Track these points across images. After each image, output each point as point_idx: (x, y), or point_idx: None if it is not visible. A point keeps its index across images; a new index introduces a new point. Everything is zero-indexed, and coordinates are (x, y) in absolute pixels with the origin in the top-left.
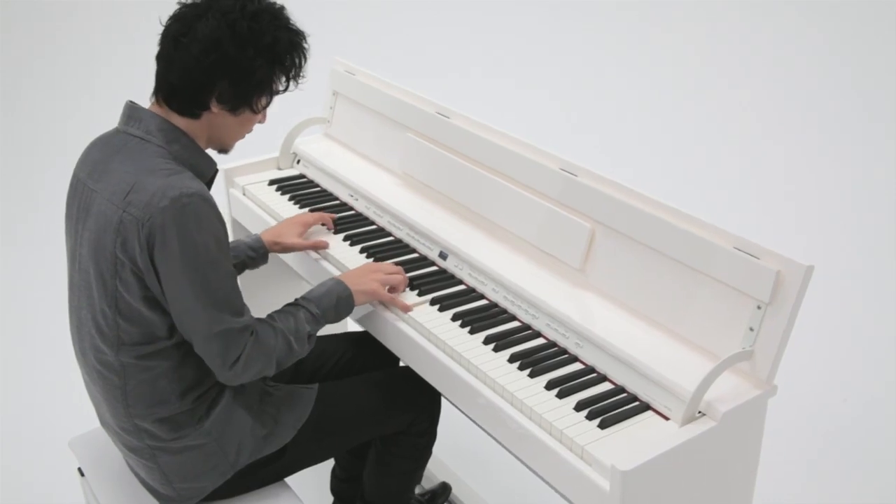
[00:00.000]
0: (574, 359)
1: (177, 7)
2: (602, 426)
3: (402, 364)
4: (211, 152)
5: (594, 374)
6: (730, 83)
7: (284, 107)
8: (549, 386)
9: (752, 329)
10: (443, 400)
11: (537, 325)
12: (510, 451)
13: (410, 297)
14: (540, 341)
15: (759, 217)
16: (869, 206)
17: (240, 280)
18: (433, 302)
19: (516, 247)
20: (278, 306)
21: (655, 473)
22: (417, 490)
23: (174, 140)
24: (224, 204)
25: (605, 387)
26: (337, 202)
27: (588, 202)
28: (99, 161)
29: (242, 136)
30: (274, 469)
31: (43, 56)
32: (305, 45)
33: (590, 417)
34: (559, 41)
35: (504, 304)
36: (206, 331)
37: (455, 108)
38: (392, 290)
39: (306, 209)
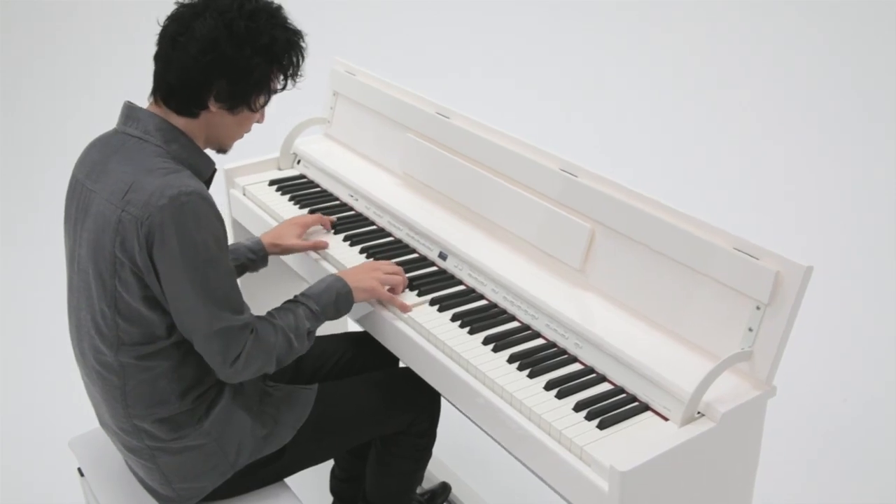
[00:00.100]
0: (573, 359)
1: (174, 7)
2: (601, 426)
3: (401, 364)
4: (209, 152)
5: (593, 375)
6: (730, 83)
7: (285, 107)
8: (549, 386)
9: (751, 329)
10: (442, 400)
11: (537, 325)
12: (509, 452)
13: (410, 297)
14: (539, 342)
15: (759, 217)
16: (869, 207)
17: (240, 281)
18: (433, 302)
19: (516, 247)
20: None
21: (654, 474)
22: (417, 490)
23: (172, 140)
24: (224, 204)
25: (604, 387)
26: (337, 202)
27: (588, 202)
28: (97, 161)
29: (241, 136)
30: (274, 469)
31: (43, 56)
32: (303, 45)
33: (589, 418)
34: (559, 41)
35: (504, 304)
36: (207, 329)
37: (455, 108)
38: (391, 290)
39: (306, 209)
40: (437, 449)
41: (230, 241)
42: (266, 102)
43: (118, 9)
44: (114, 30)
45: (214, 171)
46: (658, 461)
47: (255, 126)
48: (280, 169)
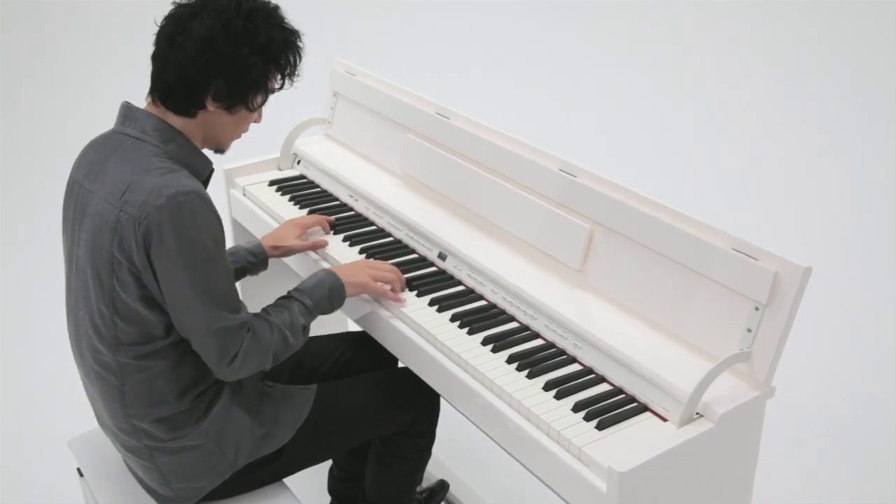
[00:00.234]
0: (572, 360)
1: (172, 6)
2: (600, 427)
3: (400, 364)
4: (207, 152)
5: (592, 375)
6: (730, 83)
7: (285, 108)
8: (548, 387)
9: (749, 330)
10: (442, 400)
11: (536, 325)
12: (508, 452)
13: (409, 297)
14: (538, 342)
15: (759, 217)
16: (869, 207)
17: (240, 282)
18: (432, 302)
19: (515, 247)
20: None
21: (653, 475)
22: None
23: (170, 139)
24: (224, 204)
25: (603, 388)
26: (337, 203)
27: (587, 203)
28: (95, 162)
29: (238, 136)
30: (272, 469)
31: (43, 56)
32: (300, 45)
33: (587, 418)
34: (559, 41)
35: (503, 304)
36: (205, 328)
37: (455, 108)
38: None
39: (306, 210)
40: (437, 448)
41: (230, 240)
42: (263, 102)
43: (118, 9)
44: (114, 30)
45: (212, 170)
46: (656, 462)
47: (254, 126)
48: (280, 169)
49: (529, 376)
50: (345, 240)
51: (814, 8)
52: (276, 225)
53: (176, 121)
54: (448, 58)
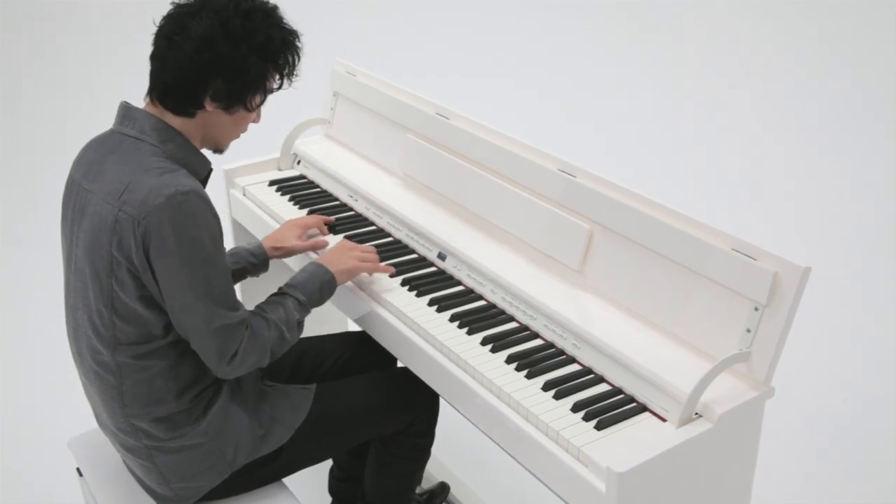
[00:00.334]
0: (572, 360)
1: (171, 6)
2: (599, 427)
3: (400, 364)
4: (206, 152)
5: (591, 376)
6: (730, 83)
7: (285, 108)
8: (547, 387)
9: (749, 330)
10: (441, 400)
11: (535, 325)
12: (507, 452)
13: (409, 297)
14: (538, 342)
15: (759, 217)
16: (869, 207)
17: (240, 283)
18: (431, 302)
19: (515, 248)
20: None
21: (651, 475)
22: (416, 490)
23: (168, 139)
24: (224, 204)
25: (602, 388)
26: (337, 203)
27: (587, 203)
28: (94, 162)
29: (237, 136)
30: (271, 469)
31: (43, 56)
32: (299, 44)
33: (586, 419)
34: (559, 41)
35: (502, 304)
36: (205, 327)
37: (455, 108)
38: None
39: (306, 210)
40: (436, 449)
41: (230, 241)
42: (262, 102)
43: (118, 9)
44: (114, 30)
45: (210, 170)
46: (655, 462)
47: (254, 126)
48: (280, 169)
49: (529, 376)
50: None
51: (814, 8)
52: (276, 225)
53: (174, 121)
54: (448, 58)
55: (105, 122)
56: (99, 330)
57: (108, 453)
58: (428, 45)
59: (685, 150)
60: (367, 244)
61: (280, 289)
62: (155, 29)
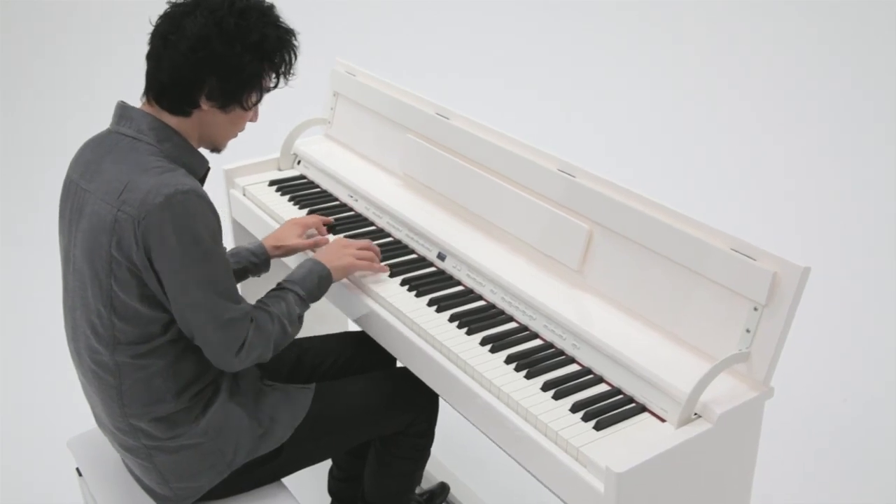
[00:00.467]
0: (571, 360)
1: (167, 6)
2: (598, 428)
3: (399, 364)
4: (206, 153)
5: (591, 376)
6: (730, 83)
7: (285, 108)
8: (546, 387)
9: (748, 331)
10: (441, 400)
11: (535, 326)
12: (507, 452)
13: (409, 297)
14: (537, 342)
15: (759, 217)
16: (869, 207)
17: (241, 283)
18: (431, 302)
19: (514, 248)
20: None
21: (650, 475)
22: (416, 490)
23: (166, 139)
24: (224, 204)
25: (601, 388)
26: (337, 203)
27: (586, 203)
28: (91, 161)
29: (235, 135)
30: (271, 468)
31: (43, 56)
32: (295, 43)
33: (585, 419)
34: (559, 41)
35: (502, 305)
36: (212, 321)
37: (455, 108)
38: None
39: (306, 210)
40: (436, 449)
41: (230, 241)
42: (258, 101)
43: (118, 9)
44: (114, 30)
45: (208, 169)
46: (654, 462)
47: (254, 126)
48: (280, 169)
49: (528, 376)
50: None
51: (814, 8)
52: (276, 225)
53: (171, 120)
54: (448, 58)
55: (105, 122)
56: (98, 330)
57: (108, 453)
58: (428, 45)
59: (685, 150)
60: (366, 240)
61: (279, 284)
62: (152, 28)
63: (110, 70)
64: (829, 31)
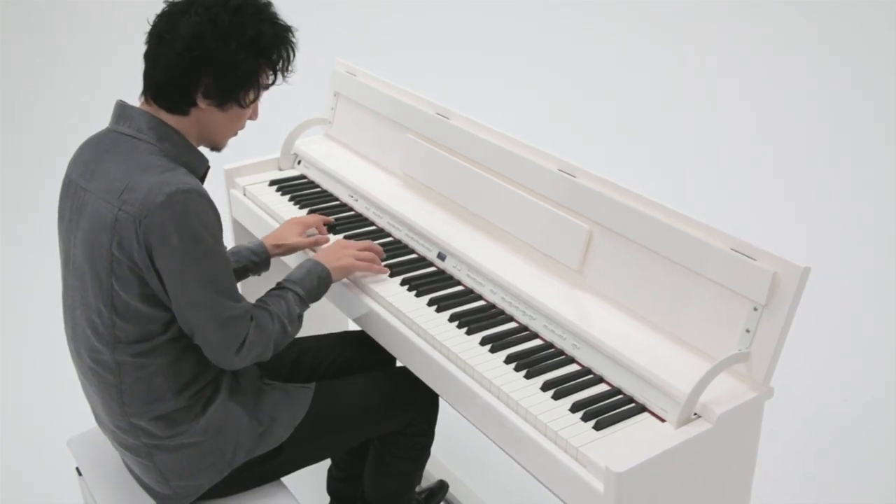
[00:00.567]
0: (571, 360)
1: (164, 5)
2: (597, 428)
3: (399, 364)
4: (206, 152)
5: (591, 376)
6: (730, 83)
7: (286, 108)
8: (546, 387)
9: (748, 331)
10: (441, 400)
11: (534, 326)
12: (506, 452)
13: (408, 297)
14: (537, 342)
15: (759, 217)
16: (869, 207)
17: (241, 282)
18: (431, 302)
19: (514, 248)
20: None
21: (650, 475)
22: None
23: (165, 137)
24: (224, 204)
25: (601, 388)
26: (337, 203)
27: (586, 203)
28: (90, 161)
29: (234, 133)
30: (271, 467)
31: (43, 56)
32: (292, 39)
33: (585, 419)
34: (559, 41)
35: (502, 304)
36: (213, 319)
37: (455, 108)
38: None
39: (306, 210)
40: (435, 447)
41: (231, 241)
42: (255, 98)
43: (117, 9)
44: (114, 30)
45: (208, 168)
46: (654, 462)
47: (255, 126)
48: (280, 169)
49: (528, 376)
50: (345, 239)
51: (814, 8)
52: (276, 225)
53: (170, 119)
54: (448, 58)
55: (105, 121)
56: (98, 329)
57: (108, 453)
58: (428, 45)
59: (685, 150)
60: (368, 241)
61: (279, 283)
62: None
63: (110, 70)
64: (829, 31)
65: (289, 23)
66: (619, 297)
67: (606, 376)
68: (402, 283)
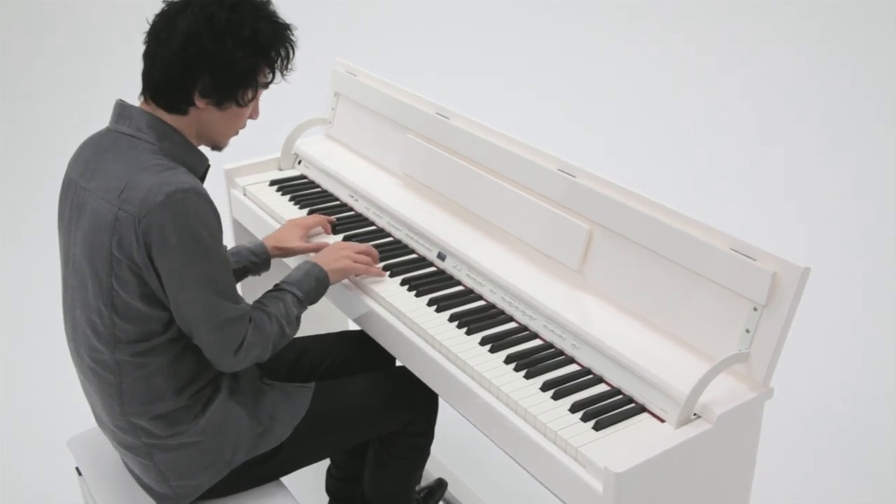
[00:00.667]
0: (570, 360)
1: (162, 5)
2: (597, 428)
3: (399, 364)
4: (207, 151)
5: (590, 376)
6: (730, 83)
7: (286, 108)
8: (545, 387)
9: (748, 331)
10: (440, 399)
11: (534, 326)
12: (506, 452)
13: (408, 297)
14: (537, 342)
15: (759, 217)
16: (869, 207)
17: (239, 284)
18: (431, 302)
19: (514, 248)
20: None
21: (649, 475)
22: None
23: (165, 137)
24: (225, 204)
25: (601, 388)
26: (337, 203)
27: (586, 203)
28: (90, 160)
29: (235, 132)
30: (270, 467)
31: (43, 56)
32: (291, 37)
33: (585, 419)
34: (559, 41)
35: (501, 305)
36: (210, 320)
37: (455, 108)
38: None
39: (306, 210)
40: (435, 447)
41: (231, 241)
42: (254, 97)
43: (117, 9)
44: (114, 30)
45: (208, 166)
46: (653, 462)
47: (255, 126)
48: (281, 169)
49: (527, 376)
50: (345, 240)
51: (814, 8)
52: (276, 225)
53: (169, 119)
54: (448, 58)
55: (105, 122)
56: (98, 328)
57: (108, 452)
58: (428, 45)
59: (685, 150)
60: (367, 244)
61: (277, 285)
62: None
63: (110, 70)
64: (829, 31)
65: (287, 20)
66: (619, 298)
67: (606, 376)
68: (402, 283)
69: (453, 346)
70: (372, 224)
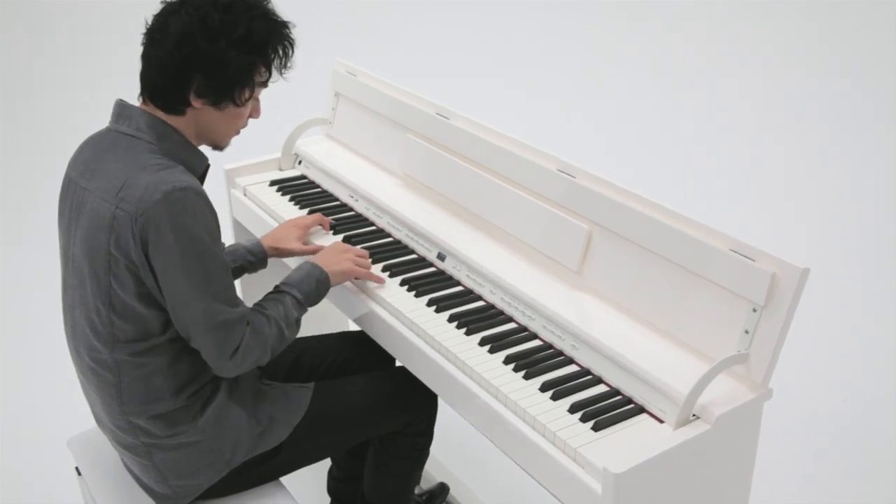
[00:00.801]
0: (570, 361)
1: (160, 5)
2: (596, 428)
3: (398, 364)
4: (207, 151)
5: (589, 377)
6: (730, 83)
7: (286, 108)
8: (544, 388)
9: (747, 332)
10: (440, 400)
11: (534, 326)
12: (505, 453)
13: (408, 297)
14: (536, 343)
15: (759, 217)
16: (869, 207)
17: (238, 282)
18: (430, 303)
19: (514, 248)
20: None
21: (648, 476)
22: (415, 490)
23: (164, 136)
24: (225, 204)
25: (600, 389)
26: (337, 203)
27: (586, 204)
28: (90, 160)
29: (235, 132)
30: (270, 467)
31: (43, 56)
32: (288, 35)
33: (584, 420)
34: (559, 41)
35: (501, 305)
36: (206, 322)
37: (455, 108)
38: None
39: (306, 210)
40: (435, 448)
41: (231, 241)
42: (251, 96)
43: (118, 9)
44: (114, 30)
45: (208, 166)
46: (652, 463)
47: (256, 126)
48: (281, 169)
49: (526, 377)
50: (345, 240)
51: (814, 8)
52: (276, 225)
53: (168, 119)
54: (448, 58)
55: (105, 122)
56: (97, 328)
57: (107, 452)
58: (428, 45)
59: (685, 150)
60: (366, 244)
61: (277, 287)
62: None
63: (110, 70)
64: (829, 31)
65: (284, 18)
66: (619, 298)
67: (605, 377)
68: (402, 283)
69: (453, 347)
70: (372, 224)
